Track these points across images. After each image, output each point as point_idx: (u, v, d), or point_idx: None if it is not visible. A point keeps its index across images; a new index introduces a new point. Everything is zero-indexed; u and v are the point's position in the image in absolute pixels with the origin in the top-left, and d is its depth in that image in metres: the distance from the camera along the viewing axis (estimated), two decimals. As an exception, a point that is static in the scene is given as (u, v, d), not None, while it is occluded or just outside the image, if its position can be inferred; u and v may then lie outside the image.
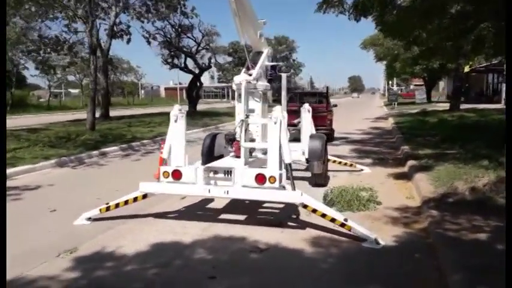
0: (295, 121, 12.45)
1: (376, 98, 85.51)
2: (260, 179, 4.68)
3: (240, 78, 5.83)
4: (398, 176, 7.72)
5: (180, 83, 53.39)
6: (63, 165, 9.36)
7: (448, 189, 5.80)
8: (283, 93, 8.95)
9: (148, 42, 20.01)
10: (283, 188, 4.78)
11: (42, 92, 50.59)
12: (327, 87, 14.39)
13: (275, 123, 4.78)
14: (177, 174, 4.98)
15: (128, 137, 13.62)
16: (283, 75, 9.14)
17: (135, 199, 5.21)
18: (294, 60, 55.21)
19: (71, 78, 46.04)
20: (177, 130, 5.18)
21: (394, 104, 35.33)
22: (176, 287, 3.56)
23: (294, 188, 4.77)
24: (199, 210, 5.70)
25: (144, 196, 5.19)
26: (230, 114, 25.38)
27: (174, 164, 5.17)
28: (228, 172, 4.97)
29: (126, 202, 5.21)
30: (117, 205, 5.21)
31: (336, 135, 15.20)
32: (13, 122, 19.98)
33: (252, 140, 5.85)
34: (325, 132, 12.76)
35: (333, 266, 3.90)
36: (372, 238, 4.30)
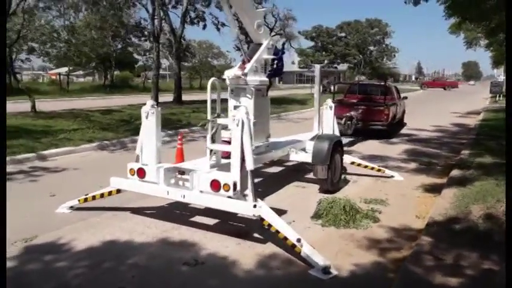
0: (349, 114, 11.60)
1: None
2: (215, 185, 4.33)
3: (230, 73, 5.48)
4: (430, 189, 6.63)
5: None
6: (104, 148, 9.93)
7: (460, 212, 4.77)
8: (316, 87, 8.35)
9: (218, 29, 20.24)
10: (244, 196, 4.37)
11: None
12: (385, 78, 12.88)
13: (237, 125, 4.34)
14: (141, 173, 4.86)
15: (182, 123, 14.00)
16: (317, 66, 8.50)
17: (110, 193, 5.24)
18: (386, 45, 51.29)
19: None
20: (148, 127, 5.01)
21: (499, 96, 30.95)
22: (83, 293, 3.45)
23: (255, 199, 4.32)
24: (179, 209, 5.52)
25: (118, 191, 5.19)
26: (303, 101, 24.79)
27: (145, 161, 5.04)
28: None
29: (101, 195, 5.27)
30: (93, 197, 5.30)
31: (404, 131, 13.85)
32: (101, 102, 21.98)
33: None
34: (381, 129, 11.72)
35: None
36: (320, 266, 3.69)
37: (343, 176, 7.16)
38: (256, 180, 7.00)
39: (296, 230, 4.68)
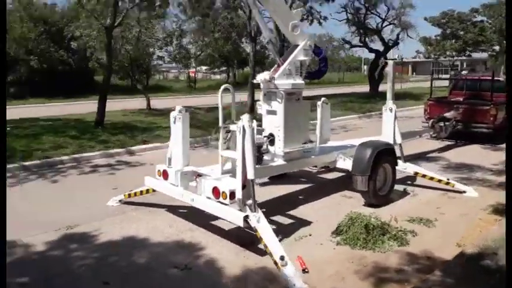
0: (447, 114, 10.27)
1: None
2: (216, 192, 4.39)
3: (261, 77, 5.43)
4: (502, 210, 5.48)
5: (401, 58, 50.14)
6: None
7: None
8: (389, 84, 7.70)
9: (320, 23, 19.70)
10: (245, 205, 4.32)
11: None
12: (493, 72, 10.73)
13: (239, 132, 4.30)
14: (165, 174, 5.17)
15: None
16: (390, 63, 7.80)
17: (147, 191, 5.70)
18: None
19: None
20: (176, 131, 5.28)
21: None
22: (76, 283, 3.87)
23: (254, 209, 4.23)
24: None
25: (154, 190, 5.61)
26: (418, 96, 22.61)
27: (173, 164, 5.33)
28: (209, 179, 4.81)
29: (141, 192, 5.77)
30: (135, 194, 5.83)
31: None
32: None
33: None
34: (486, 132, 10.07)
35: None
36: (294, 290, 3.45)
37: (403, 188, 6.47)
38: (305, 185, 6.93)
39: (306, 246, 4.49)
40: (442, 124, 9.62)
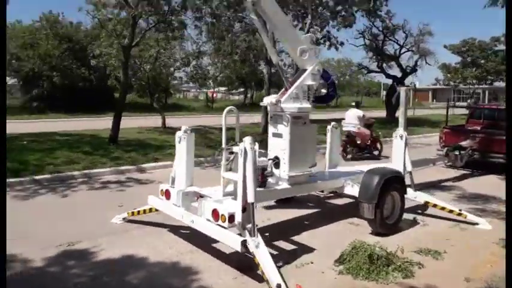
0: (463, 143, 10.05)
1: None
2: (215, 214, 4.32)
3: (267, 100, 5.43)
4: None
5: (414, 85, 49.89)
6: (198, 165, 10.65)
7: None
8: (402, 109, 7.61)
9: (336, 48, 19.79)
10: (244, 229, 4.23)
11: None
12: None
13: (241, 154, 4.26)
14: (167, 194, 5.14)
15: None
16: (402, 89, 7.72)
17: (150, 210, 5.68)
18: None
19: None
20: (180, 151, 5.28)
21: None
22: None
23: (253, 233, 4.14)
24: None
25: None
26: (436, 123, 22.25)
27: (176, 184, 5.31)
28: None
29: (144, 211, 5.75)
30: (138, 212, 5.81)
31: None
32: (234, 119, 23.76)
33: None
34: (504, 162, 9.76)
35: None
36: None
37: (413, 217, 6.29)
38: (312, 210, 6.79)
39: (307, 274, 4.38)
40: (457, 153, 9.39)
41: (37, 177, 8.27)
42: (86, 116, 22.40)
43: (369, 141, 12.26)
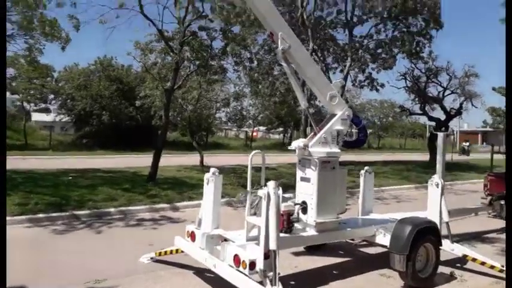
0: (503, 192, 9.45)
1: None
2: (236, 260, 4.29)
3: (296, 144, 5.45)
4: None
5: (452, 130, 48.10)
6: (229, 205, 10.68)
7: None
8: (439, 157, 7.36)
9: (377, 90, 19.64)
10: (265, 278, 4.15)
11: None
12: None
13: (264, 199, 4.26)
14: (192, 236, 5.18)
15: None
16: (440, 135, 7.51)
17: (177, 251, 5.71)
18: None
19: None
20: (207, 192, 5.36)
21: None
22: None
23: (274, 282, 4.05)
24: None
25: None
26: (485, 168, 21.09)
27: (202, 225, 5.35)
28: (233, 244, 4.74)
29: (171, 251, 5.80)
30: (165, 252, 5.86)
31: None
32: (272, 159, 23.88)
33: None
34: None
35: None
36: None
37: (450, 271, 5.89)
38: (342, 259, 6.54)
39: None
40: (502, 202, 8.80)
41: (76, 213, 8.63)
42: (131, 154, 23.36)
43: None
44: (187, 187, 12.05)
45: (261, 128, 47.23)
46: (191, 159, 19.39)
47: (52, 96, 31.38)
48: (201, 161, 17.23)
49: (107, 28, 11.63)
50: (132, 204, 9.63)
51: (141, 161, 17.61)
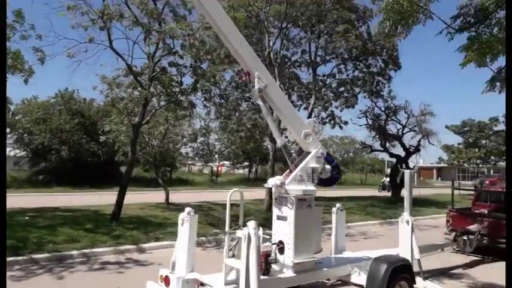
0: (471, 227, 9.82)
1: None
2: (216, 305, 4.11)
3: (272, 182, 5.44)
4: None
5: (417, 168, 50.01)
6: (199, 245, 10.38)
7: None
8: (406, 193, 7.55)
9: (340, 127, 20.37)
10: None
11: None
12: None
13: (244, 240, 4.17)
14: (167, 281, 4.95)
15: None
16: (407, 172, 7.74)
17: (149, 296, 5.42)
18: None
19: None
20: (182, 233, 5.19)
21: None
22: None
23: (255, 327, 3.91)
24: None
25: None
26: (443, 204, 21.93)
27: (177, 269, 5.14)
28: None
29: (142, 297, 5.49)
30: (136, 298, 5.55)
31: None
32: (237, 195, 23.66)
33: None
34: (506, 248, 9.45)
35: None
36: None
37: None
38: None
39: None
40: (466, 238, 9.13)
41: (35, 256, 8.06)
42: (90, 190, 22.44)
43: None
44: (153, 227, 11.63)
45: (226, 162, 47.12)
46: (154, 196, 18.85)
47: (8, 130, 29.95)
48: (167, 199, 16.79)
49: (74, 61, 11.37)
50: (96, 246, 9.13)
51: (102, 198, 16.93)
